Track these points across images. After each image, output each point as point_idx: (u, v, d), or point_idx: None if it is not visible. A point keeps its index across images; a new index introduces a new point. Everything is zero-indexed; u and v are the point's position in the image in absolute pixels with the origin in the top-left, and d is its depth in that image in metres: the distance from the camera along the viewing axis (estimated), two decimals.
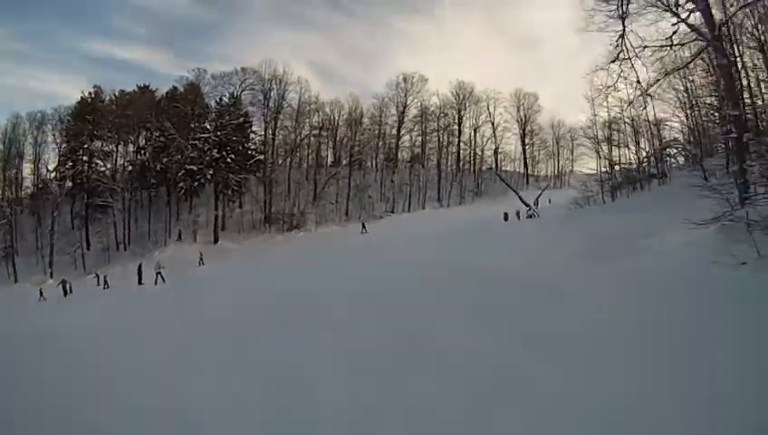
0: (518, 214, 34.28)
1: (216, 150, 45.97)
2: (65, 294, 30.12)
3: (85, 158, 50.39)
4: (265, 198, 49.96)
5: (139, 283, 27.08)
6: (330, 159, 60.93)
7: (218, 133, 46.62)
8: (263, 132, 53.40)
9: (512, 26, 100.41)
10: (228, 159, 46.26)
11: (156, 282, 25.48)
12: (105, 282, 30.18)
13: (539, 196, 39.99)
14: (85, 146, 50.04)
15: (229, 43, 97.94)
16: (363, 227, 42.11)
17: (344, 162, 57.67)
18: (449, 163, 64.77)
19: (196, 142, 46.46)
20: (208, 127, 47.66)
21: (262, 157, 50.53)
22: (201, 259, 35.15)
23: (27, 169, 55.19)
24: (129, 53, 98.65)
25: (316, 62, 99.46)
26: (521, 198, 37.57)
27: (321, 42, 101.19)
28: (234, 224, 48.56)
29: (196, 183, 46.40)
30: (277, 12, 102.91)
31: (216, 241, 45.52)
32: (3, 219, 49.28)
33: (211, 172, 45.86)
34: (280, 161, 55.85)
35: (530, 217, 33.08)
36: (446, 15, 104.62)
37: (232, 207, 49.96)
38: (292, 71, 55.30)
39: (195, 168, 45.73)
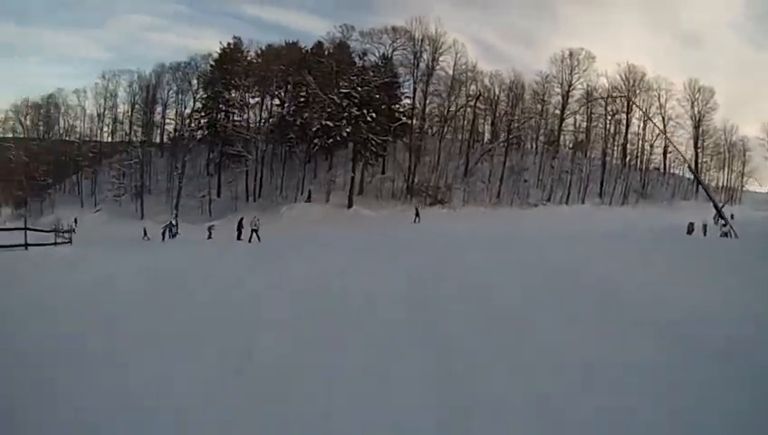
0: (705, 228, 25.32)
1: (356, 108, 40.35)
2: (163, 238, 28.01)
3: (222, 107, 47.96)
4: (410, 165, 43.71)
5: (238, 238, 24.00)
6: (486, 136, 53.38)
7: (359, 90, 40.95)
8: (412, 96, 47.43)
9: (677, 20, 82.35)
10: (369, 118, 40.35)
11: (250, 239, 22.15)
12: (209, 232, 28.00)
13: (720, 209, 29.33)
14: (223, 95, 47.53)
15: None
16: (417, 214, 35.32)
17: (501, 139, 49.50)
18: (614, 156, 53.97)
19: (335, 98, 41.04)
20: (351, 83, 42.09)
21: (408, 121, 44.38)
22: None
23: (171, 114, 55.56)
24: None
25: (475, 37, 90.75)
26: (719, 212, 26.99)
27: (480, 16, 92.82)
28: (372, 190, 43.08)
29: (331, 140, 41.09)
30: None
31: (349, 205, 40.31)
32: (135, 159, 50.32)
33: (348, 130, 40.23)
34: (432, 131, 49.10)
35: (724, 235, 22.54)
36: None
37: (372, 172, 44.54)
38: (445, 31, 47.79)
39: (331, 123, 40.44)
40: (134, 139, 55.45)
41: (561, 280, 7.93)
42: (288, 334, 5.21)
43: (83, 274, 9.94)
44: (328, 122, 40.36)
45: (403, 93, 46.67)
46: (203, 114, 49.64)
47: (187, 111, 53.34)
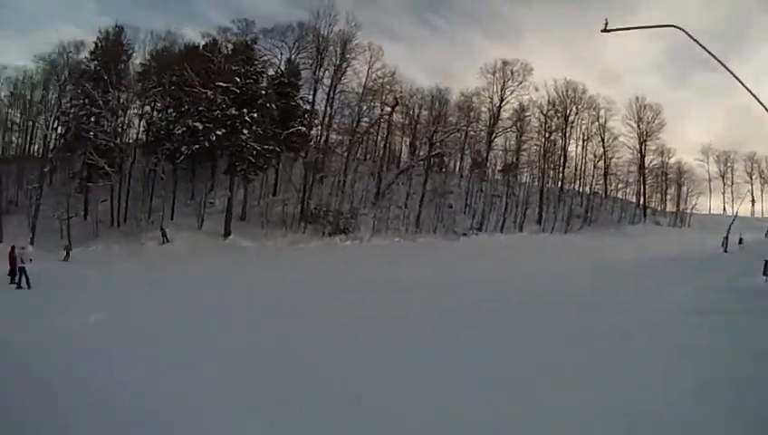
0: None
1: (234, 109, 32.58)
2: None
3: (91, 108, 37.94)
4: (305, 186, 35.87)
5: (11, 280, 16.37)
6: (403, 156, 47.17)
7: (242, 86, 33.51)
8: (311, 101, 40.56)
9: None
10: (247, 119, 32.46)
11: (19, 281, 15.39)
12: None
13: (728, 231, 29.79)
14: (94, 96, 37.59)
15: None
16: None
17: (421, 156, 42.79)
18: (550, 179, 48.97)
19: (208, 92, 33.14)
20: (232, 76, 34.22)
21: (304, 129, 37.08)
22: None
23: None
24: None
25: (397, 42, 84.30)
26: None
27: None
28: (256, 216, 34.92)
29: (197, 146, 32.92)
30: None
31: (226, 234, 32.31)
32: None
33: (220, 133, 32.21)
34: (338, 146, 41.97)
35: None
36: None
37: (262, 193, 36.79)
38: (358, 31, 40.75)
39: (200, 125, 32.39)
40: None
41: None
42: None
43: None
44: (197, 124, 32.12)
45: (302, 98, 39.57)
46: (69, 116, 39.93)
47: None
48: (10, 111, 47.71)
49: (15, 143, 49.91)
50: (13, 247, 16.42)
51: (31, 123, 48.04)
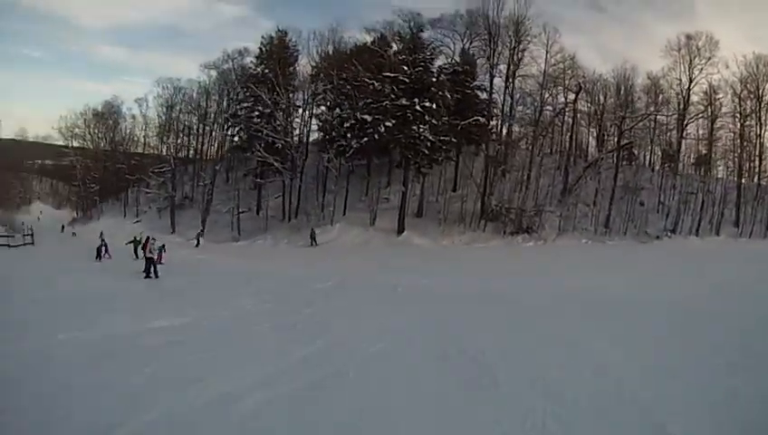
0: None
1: (404, 99, 30.59)
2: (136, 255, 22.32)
3: (261, 109, 39.33)
4: (485, 181, 32.86)
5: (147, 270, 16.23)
6: (590, 147, 42.32)
7: (412, 74, 31.32)
8: (489, 89, 36.97)
9: None
10: (419, 108, 30.21)
11: (149, 271, 15.61)
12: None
13: None
14: (261, 96, 38.91)
15: None
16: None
17: (610, 148, 37.78)
18: (746, 172, 40.81)
19: (374, 83, 31.71)
20: (400, 64, 32.40)
21: (483, 120, 33.77)
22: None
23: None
24: None
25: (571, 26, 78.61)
26: None
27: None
28: (433, 213, 32.83)
29: (366, 139, 31.56)
30: None
31: (399, 231, 30.58)
32: (164, 165, 46.70)
33: (390, 124, 30.40)
34: (520, 139, 38.68)
35: None
36: None
37: (441, 189, 34.79)
38: (531, 8, 36.59)
39: (368, 117, 31.05)
40: (170, 151, 51.23)
41: None
42: None
43: None
44: (365, 116, 30.89)
45: (479, 87, 36.49)
46: (240, 118, 41.83)
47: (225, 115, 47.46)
48: (186, 116, 53.01)
49: (192, 145, 55.51)
50: (148, 238, 16.67)
51: (205, 127, 52.91)
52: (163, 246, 19.13)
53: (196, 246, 31.41)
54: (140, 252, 18.90)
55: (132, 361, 6.12)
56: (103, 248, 22.53)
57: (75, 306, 9.90)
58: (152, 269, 15.38)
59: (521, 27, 35.75)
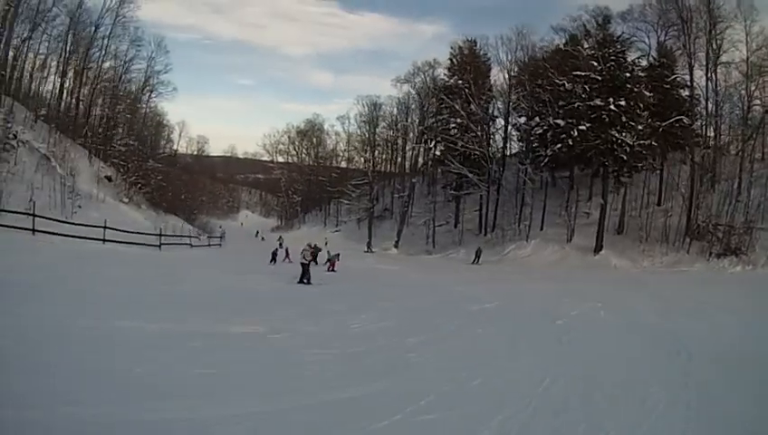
0: None
1: (598, 99, 28.96)
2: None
3: (457, 121, 40.54)
4: (692, 192, 29.54)
5: (303, 277, 17.02)
6: None
7: (603, 71, 29.60)
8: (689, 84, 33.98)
9: None
10: (613, 108, 28.27)
11: (304, 278, 16.22)
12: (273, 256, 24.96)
13: None
14: (455, 107, 40.05)
15: None
16: None
17: None
18: None
19: (564, 82, 30.79)
20: (590, 59, 30.67)
21: (685, 120, 30.80)
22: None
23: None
24: None
25: None
26: None
27: None
28: (635, 229, 30.55)
29: (560, 145, 30.23)
30: None
31: (597, 249, 29.35)
32: (364, 178, 52.69)
33: (584, 127, 28.91)
34: (731, 144, 34.49)
35: None
36: None
37: (646, 202, 32.87)
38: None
39: (561, 121, 30.04)
40: (368, 165, 57.70)
41: None
42: None
43: None
44: (558, 121, 29.99)
45: (678, 82, 33.42)
46: (437, 130, 44.37)
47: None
48: (385, 131, 59.16)
49: (390, 159, 61.78)
50: (308, 245, 17.48)
51: (405, 141, 58.43)
52: (337, 254, 21.52)
53: (365, 251, 39.49)
54: (319, 258, 20.24)
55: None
56: (283, 253, 25.04)
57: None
58: (306, 275, 15.93)
59: (712, 5, 31.99)
